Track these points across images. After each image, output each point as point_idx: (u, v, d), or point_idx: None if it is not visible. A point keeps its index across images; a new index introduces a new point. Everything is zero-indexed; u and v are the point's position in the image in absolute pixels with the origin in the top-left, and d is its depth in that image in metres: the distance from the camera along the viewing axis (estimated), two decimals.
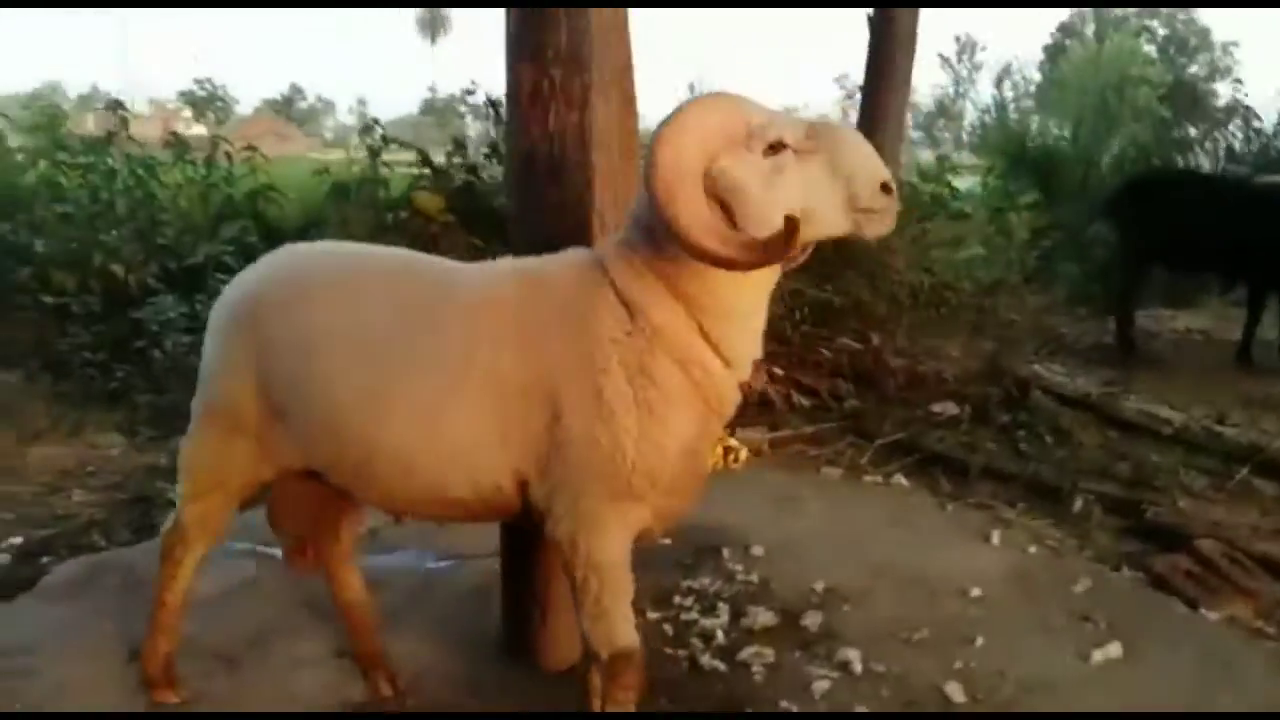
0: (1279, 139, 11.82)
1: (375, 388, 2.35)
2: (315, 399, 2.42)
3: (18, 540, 4.21)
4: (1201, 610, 3.52)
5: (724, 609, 3.44)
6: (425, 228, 6.30)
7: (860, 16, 8.57)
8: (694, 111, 2.10)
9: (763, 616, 3.38)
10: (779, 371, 5.62)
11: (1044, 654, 3.20)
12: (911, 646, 3.23)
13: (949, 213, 10.38)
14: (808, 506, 4.42)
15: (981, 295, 8.36)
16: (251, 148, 10.72)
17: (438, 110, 53.82)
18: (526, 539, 2.85)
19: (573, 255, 2.43)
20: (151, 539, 3.60)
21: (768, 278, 2.23)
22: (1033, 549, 4.00)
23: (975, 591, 3.59)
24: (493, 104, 6.74)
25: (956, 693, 2.95)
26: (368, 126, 8.41)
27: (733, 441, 2.72)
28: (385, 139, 7.83)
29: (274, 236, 9.78)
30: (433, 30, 70.96)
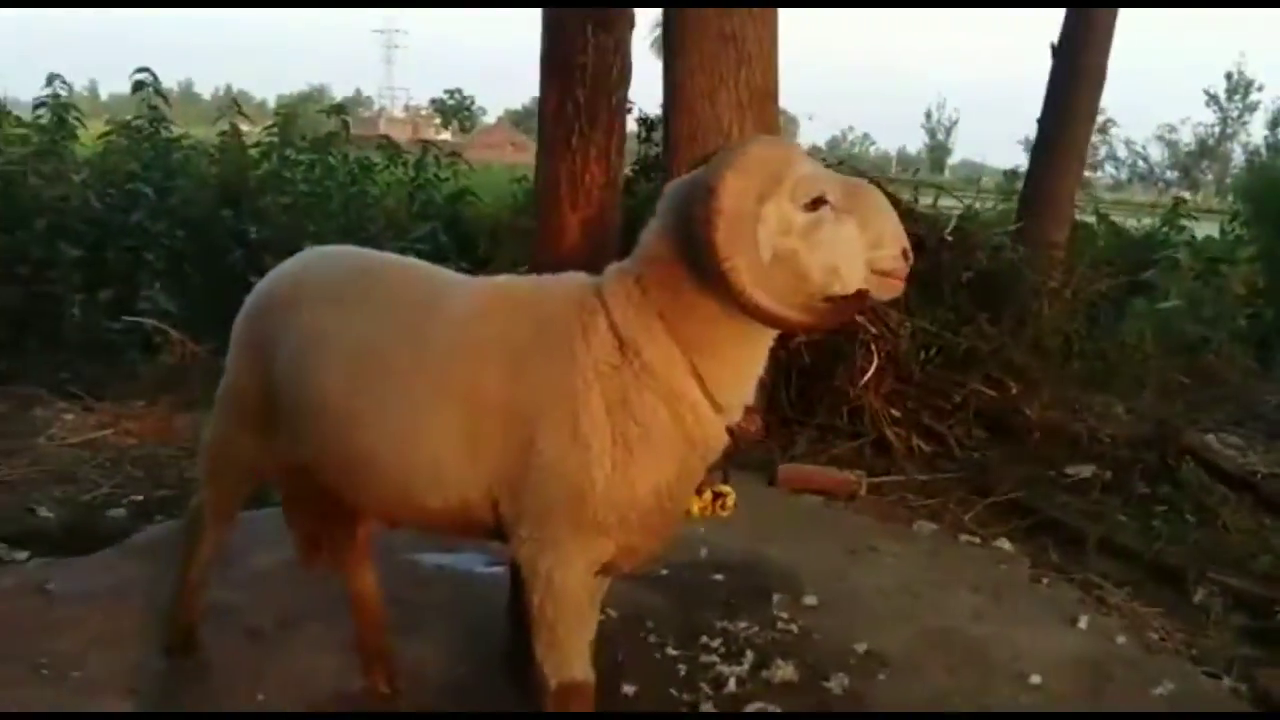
0: None
1: (357, 392, 2.38)
2: (304, 399, 2.46)
3: (139, 498, 4.58)
4: None
5: (749, 657, 3.27)
6: None
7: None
8: (755, 155, 2.06)
9: (785, 671, 3.18)
10: (895, 413, 5.34)
11: None
12: None
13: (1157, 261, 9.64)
14: (883, 560, 4.16)
15: (1169, 354, 7.71)
16: (456, 154, 11.36)
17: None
18: None
19: (571, 279, 2.40)
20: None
21: (770, 330, 2.19)
22: (1122, 639, 3.59)
23: (1035, 679, 3.26)
24: (642, 121, 6.78)
25: None
26: None
27: (723, 487, 2.56)
28: None
29: (464, 236, 10.37)
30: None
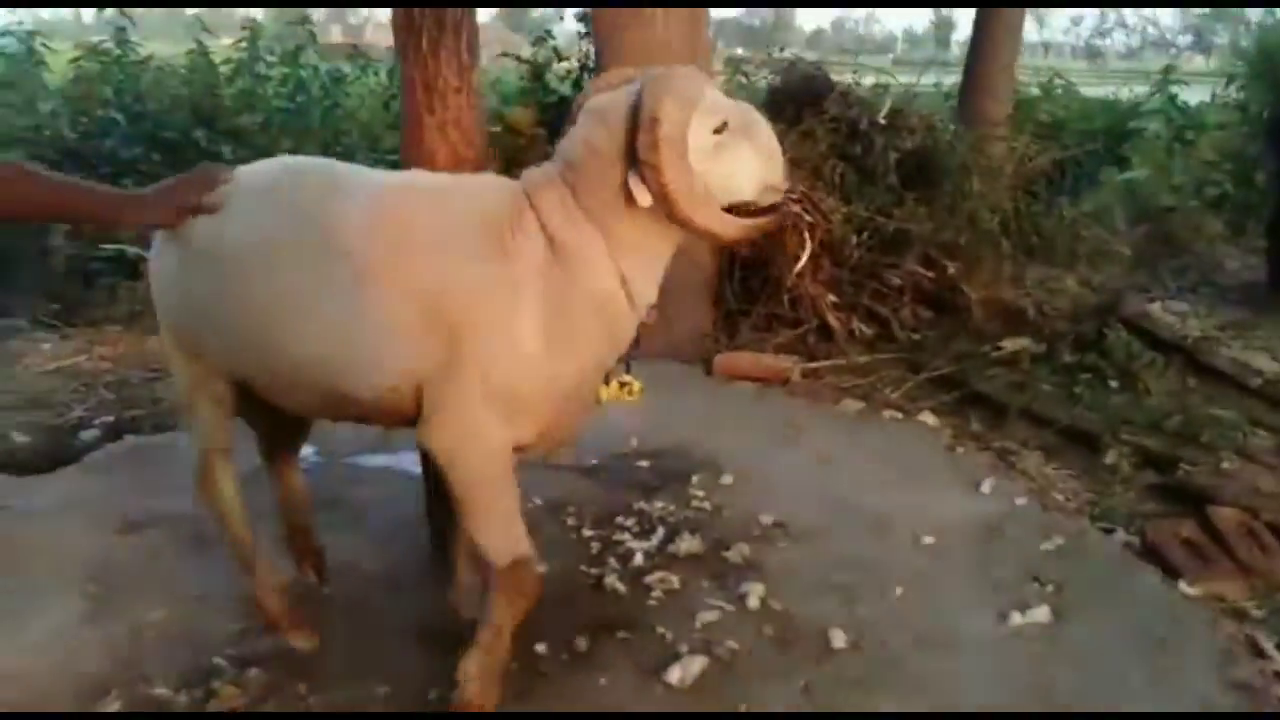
0: None
1: (283, 295, 2.40)
2: (227, 312, 2.48)
3: (110, 419, 4.81)
4: (1180, 584, 3.25)
5: (660, 534, 3.51)
6: (514, 142, 6.50)
7: None
8: (684, 81, 2.29)
9: (689, 544, 3.41)
10: (833, 299, 5.48)
11: (959, 611, 3.08)
12: (824, 588, 3.19)
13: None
14: (804, 438, 4.36)
15: (1134, 224, 7.77)
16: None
17: None
18: None
19: (491, 179, 2.55)
20: None
21: (678, 230, 2.37)
22: (1022, 500, 3.79)
23: (927, 539, 3.49)
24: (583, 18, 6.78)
25: (838, 638, 2.91)
26: (540, 39, 8.20)
27: (626, 376, 2.73)
28: (556, 51, 7.89)
29: None
30: None
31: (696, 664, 2.78)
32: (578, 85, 7.01)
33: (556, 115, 6.60)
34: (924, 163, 5.84)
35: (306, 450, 4.11)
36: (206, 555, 3.27)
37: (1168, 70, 11.08)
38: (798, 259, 5.28)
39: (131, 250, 7.18)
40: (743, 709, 2.63)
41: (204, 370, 2.66)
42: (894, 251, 5.70)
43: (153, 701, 2.61)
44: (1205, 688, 2.71)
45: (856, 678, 2.76)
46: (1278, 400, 4.65)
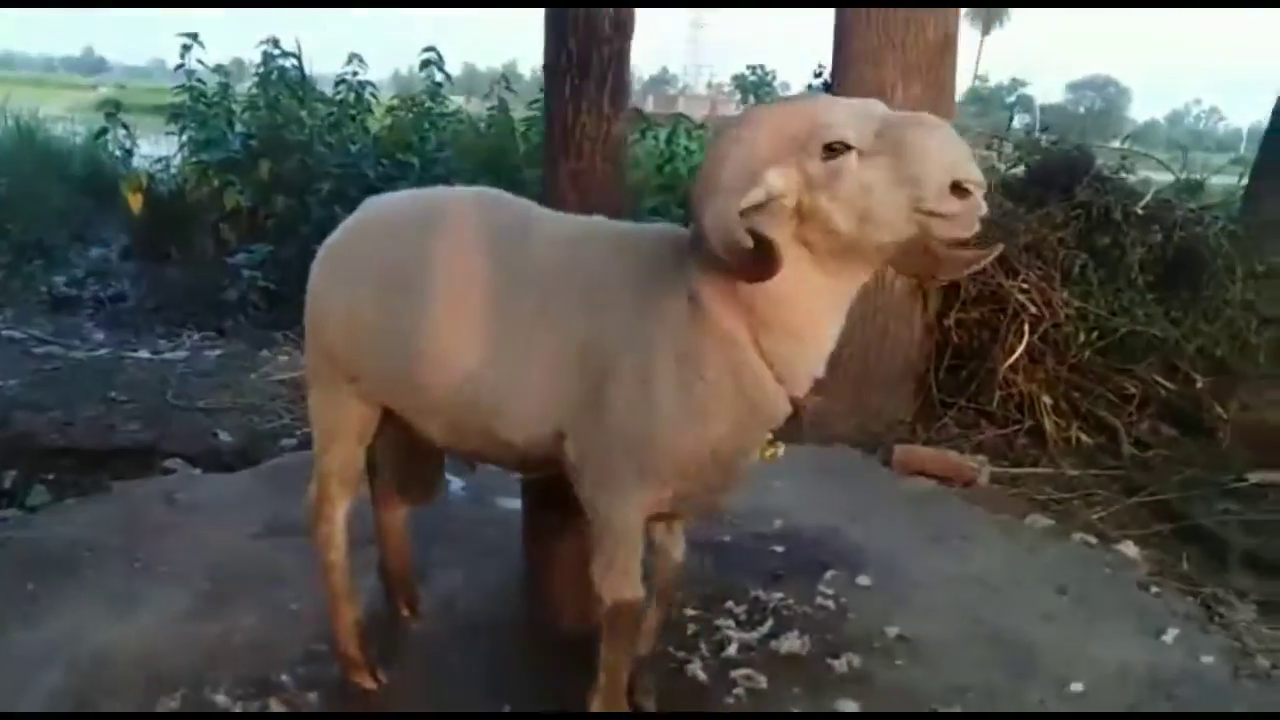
0: None
1: (446, 327, 2.40)
2: (386, 339, 2.47)
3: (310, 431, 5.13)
4: None
5: (766, 627, 3.23)
6: None
7: None
8: (746, 121, 2.07)
9: (793, 643, 3.12)
10: (1048, 400, 4.92)
11: None
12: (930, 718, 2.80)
13: None
14: (970, 550, 3.89)
15: None
16: (703, 126, 11.52)
17: (983, 100, 52.35)
18: (546, 496, 2.91)
19: (663, 230, 2.46)
20: None
21: (831, 290, 2.14)
22: (1209, 659, 3.17)
23: (1076, 687, 2.99)
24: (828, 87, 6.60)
25: None
26: None
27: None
28: None
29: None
30: (986, 23, 69.67)
31: None
32: None
33: None
34: (1183, 261, 5.16)
35: (455, 485, 4.23)
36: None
37: None
38: (1011, 350, 4.80)
39: None
40: None
41: (352, 395, 2.63)
42: (1133, 357, 5.07)
43: (208, 706, 2.68)
44: None
45: None
46: None
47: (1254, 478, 4.55)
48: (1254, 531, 4.10)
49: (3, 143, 10.22)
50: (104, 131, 8.92)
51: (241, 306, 7.37)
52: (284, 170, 8.39)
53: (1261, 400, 5.08)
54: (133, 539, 3.56)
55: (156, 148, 10.18)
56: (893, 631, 3.24)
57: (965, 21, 9.30)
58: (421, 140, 9.27)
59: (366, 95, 9.50)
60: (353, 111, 9.38)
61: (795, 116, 2.03)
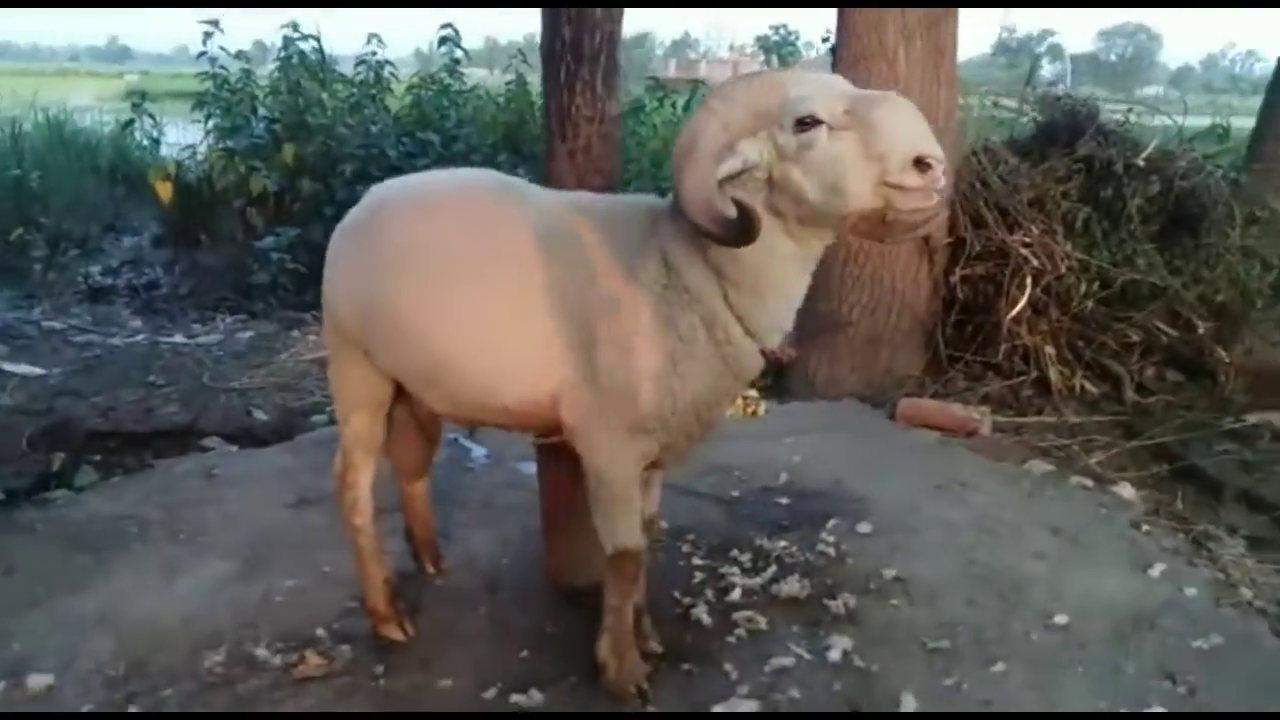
0: None
1: (439, 299, 2.55)
2: (388, 310, 2.62)
3: None
4: None
5: (769, 573, 3.41)
6: None
7: None
8: (721, 94, 2.23)
9: (792, 587, 3.30)
10: (1051, 351, 5.04)
11: (1059, 702, 2.77)
12: (919, 652, 2.98)
13: None
14: (970, 496, 4.05)
15: None
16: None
17: (1011, 50, 51.55)
18: (558, 457, 3.04)
19: (641, 201, 2.62)
20: None
21: (798, 254, 2.31)
22: (1193, 590, 3.32)
23: (1060, 619, 3.15)
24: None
25: (908, 703, 2.71)
26: None
27: (751, 393, 2.66)
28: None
29: None
30: None
31: (745, 706, 2.70)
32: None
33: None
34: (1184, 210, 5.24)
35: (478, 451, 4.44)
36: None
37: None
38: (1014, 302, 4.93)
39: None
40: None
41: (366, 368, 2.80)
42: (1136, 305, 5.17)
43: (249, 659, 2.90)
44: None
45: None
46: None
47: (1253, 418, 4.66)
48: (1250, 470, 4.23)
49: (33, 136, 10.48)
50: (130, 122, 9.17)
51: (271, 289, 7.62)
52: (307, 154, 8.58)
53: (1264, 343, 5.16)
54: (175, 513, 3.81)
55: (185, 134, 10.37)
56: (889, 574, 3.42)
57: None
58: (441, 117, 9.41)
59: (386, 75, 9.63)
60: (373, 91, 9.52)
61: (768, 91, 2.19)
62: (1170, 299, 5.09)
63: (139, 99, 9.14)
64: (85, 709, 2.67)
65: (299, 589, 3.30)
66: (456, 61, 9.77)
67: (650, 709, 2.71)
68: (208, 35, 8.90)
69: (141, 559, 3.47)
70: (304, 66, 9.15)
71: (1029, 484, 4.21)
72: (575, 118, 3.00)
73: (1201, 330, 5.06)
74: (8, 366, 5.64)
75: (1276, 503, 3.92)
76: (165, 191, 8.79)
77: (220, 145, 8.96)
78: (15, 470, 4.37)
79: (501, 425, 2.85)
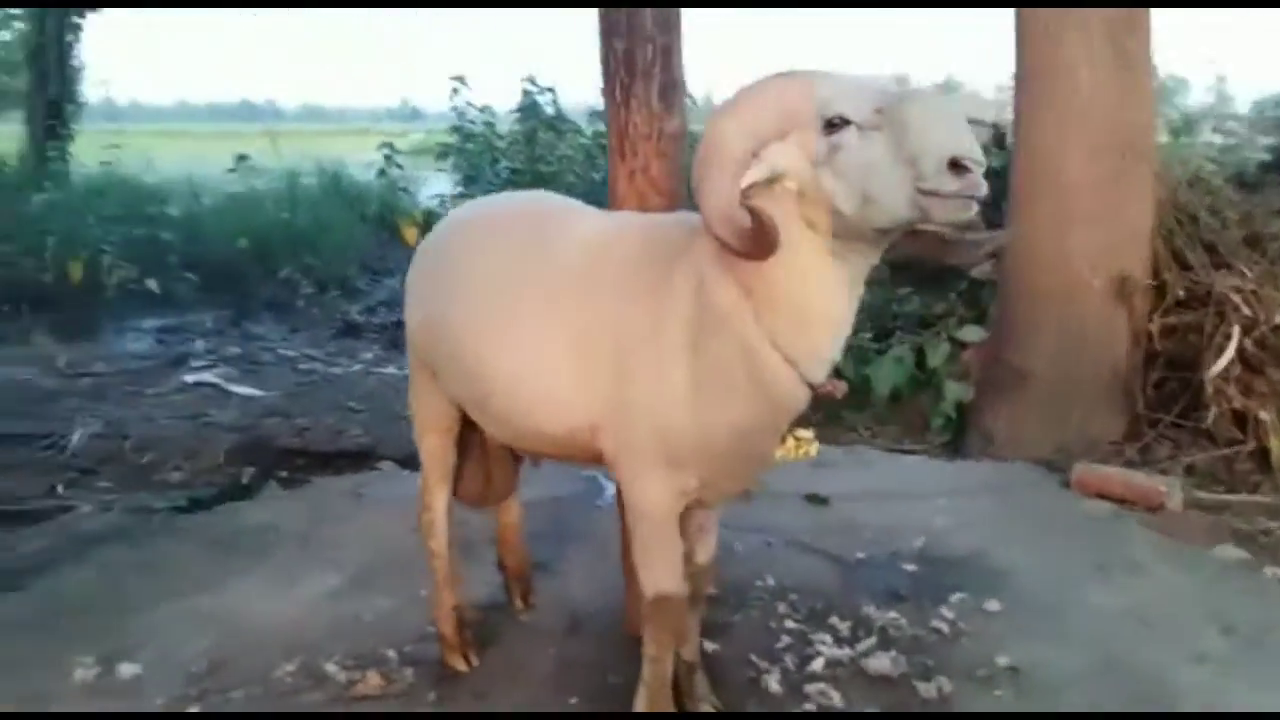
0: None
1: (485, 326, 2.55)
2: (448, 335, 2.66)
3: None
4: None
5: (863, 645, 3.11)
6: None
7: None
8: (743, 96, 2.08)
9: (883, 663, 2.99)
10: (1265, 417, 4.34)
11: None
12: None
13: None
14: (1136, 581, 3.51)
15: None
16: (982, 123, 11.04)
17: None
18: None
19: (679, 220, 2.45)
20: None
21: (837, 274, 2.11)
22: None
23: None
24: None
25: None
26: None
27: (802, 433, 2.35)
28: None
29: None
30: None
31: None
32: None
33: None
34: None
35: (610, 489, 4.40)
36: (461, 560, 3.61)
37: None
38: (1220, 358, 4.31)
39: None
40: None
41: (434, 389, 2.86)
42: None
43: (317, 673, 2.99)
44: None
45: None
46: None
47: None
48: None
49: (311, 189, 11.67)
50: (382, 173, 10.03)
51: None
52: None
53: None
54: (313, 527, 4.04)
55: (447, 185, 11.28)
56: (1003, 661, 3.02)
57: None
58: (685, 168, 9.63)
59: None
60: (603, 141, 9.91)
61: (793, 91, 2.01)
62: None
63: (389, 151, 9.97)
64: (157, 701, 2.85)
65: (389, 610, 3.38)
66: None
67: None
68: (454, 91, 9.62)
69: (266, 567, 3.69)
70: (536, 118, 9.66)
71: (1211, 572, 3.61)
72: (633, 136, 2.92)
73: None
74: (233, 388, 6.28)
75: None
76: (411, 236, 9.53)
77: (459, 194, 9.62)
78: (208, 481, 4.83)
79: (556, 455, 2.78)
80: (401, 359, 7.47)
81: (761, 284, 2.12)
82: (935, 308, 5.96)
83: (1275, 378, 4.40)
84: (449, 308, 2.65)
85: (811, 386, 2.22)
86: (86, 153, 12.53)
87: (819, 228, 2.04)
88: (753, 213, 2.00)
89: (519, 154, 9.98)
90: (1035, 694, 2.87)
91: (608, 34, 2.86)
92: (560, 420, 2.49)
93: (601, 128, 9.80)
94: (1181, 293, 4.66)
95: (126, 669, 2.97)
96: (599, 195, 9.03)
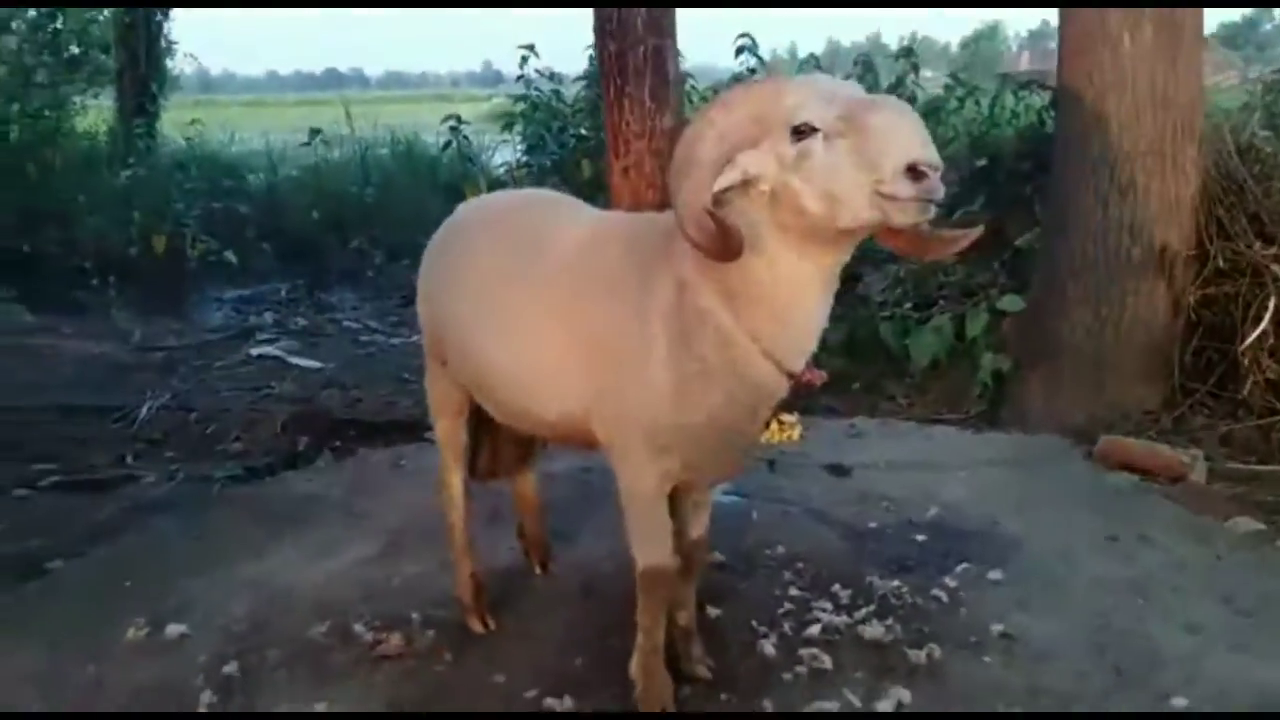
0: None
1: (482, 317, 2.73)
2: (453, 328, 2.87)
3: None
4: None
5: (861, 612, 3.21)
6: None
7: None
8: (716, 104, 2.23)
9: (879, 630, 3.10)
10: None
11: None
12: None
13: None
14: (1144, 552, 3.54)
15: None
16: (1040, 84, 10.68)
17: None
18: None
19: (666, 218, 2.53)
20: None
21: (810, 272, 2.22)
22: None
23: (1178, 701, 2.71)
24: None
25: None
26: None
27: (786, 418, 2.44)
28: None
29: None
30: None
31: None
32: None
33: None
34: None
35: None
36: (486, 529, 3.77)
37: None
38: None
39: None
40: None
41: (444, 374, 3.07)
42: None
43: (347, 633, 3.21)
44: None
45: None
46: None
47: None
48: None
49: (384, 159, 11.97)
50: (448, 144, 10.22)
51: None
52: (599, 170, 9.08)
53: None
54: (354, 496, 4.28)
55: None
56: (997, 629, 3.10)
57: None
58: None
59: (686, 87, 9.95)
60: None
61: (765, 99, 2.13)
62: None
63: (455, 122, 10.13)
64: (200, 658, 3.10)
65: (419, 574, 3.59)
66: (752, 71, 9.83)
67: None
68: (524, 60, 9.71)
69: (309, 535, 3.93)
70: None
71: (1224, 544, 3.61)
72: (626, 134, 3.03)
73: None
74: (293, 359, 6.58)
75: None
76: None
77: (523, 162, 9.77)
78: (266, 451, 5.13)
79: (557, 439, 2.96)
80: None
81: (739, 282, 2.24)
82: (978, 277, 5.93)
83: None
84: (452, 302, 2.86)
85: (791, 376, 2.33)
86: (173, 127, 13.06)
87: (791, 229, 2.15)
88: (713, 217, 2.10)
89: (584, 121, 10.01)
90: (1023, 661, 2.95)
91: (601, 35, 2.97)
92: (553, 409, 2.66)
93: None
94: (1223, 263, 4.59)
95: (173, 629, 3.23)
96: None
